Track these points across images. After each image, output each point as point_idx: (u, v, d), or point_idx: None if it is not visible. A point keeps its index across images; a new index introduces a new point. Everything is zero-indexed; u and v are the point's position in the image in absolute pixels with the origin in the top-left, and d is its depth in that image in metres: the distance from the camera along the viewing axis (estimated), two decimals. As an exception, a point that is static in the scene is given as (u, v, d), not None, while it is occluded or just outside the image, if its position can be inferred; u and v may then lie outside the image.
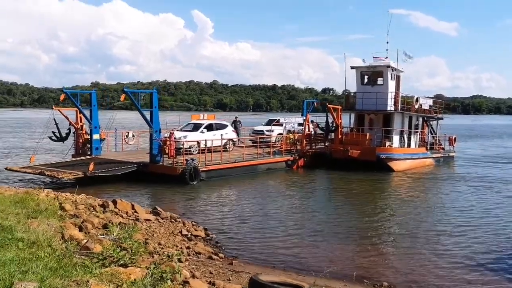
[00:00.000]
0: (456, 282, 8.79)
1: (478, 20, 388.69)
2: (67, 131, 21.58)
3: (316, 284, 7.41)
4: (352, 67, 26.45)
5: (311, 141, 26.27)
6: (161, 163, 18.87)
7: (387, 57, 25.86)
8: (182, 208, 14.32)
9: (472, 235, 12.07)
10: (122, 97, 18.44)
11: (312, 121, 27.42)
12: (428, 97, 30.64)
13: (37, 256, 5.57)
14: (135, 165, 18.70)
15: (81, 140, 21.83)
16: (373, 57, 26.09)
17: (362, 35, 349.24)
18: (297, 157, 24.33)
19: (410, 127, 26.84)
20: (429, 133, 30.01)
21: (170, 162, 18.74)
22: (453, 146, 31.25)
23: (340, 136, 25.14)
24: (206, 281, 6.88)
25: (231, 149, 23.22)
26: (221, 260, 9.27)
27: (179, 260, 7.74)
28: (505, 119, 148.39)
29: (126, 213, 11.02)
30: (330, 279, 8.36)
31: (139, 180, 18.15)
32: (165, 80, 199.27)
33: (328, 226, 12.94)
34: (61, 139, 21.51)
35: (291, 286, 6.34)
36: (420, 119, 28.52)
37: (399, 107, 25.35)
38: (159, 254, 7.96)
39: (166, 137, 19.45)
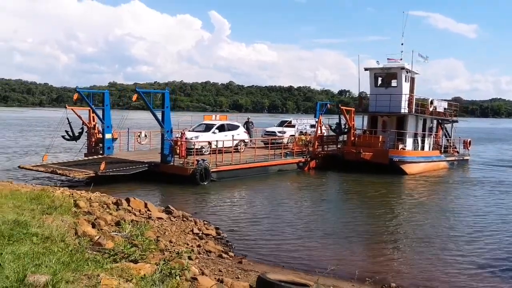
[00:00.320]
0: (464, 285, 8.70)
1: (497, 22, 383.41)
2: (80, 130, 21.79)
3: (323, 283, 7.45)
4: (366, 69, 26.25)
5: (323, 143, 26.16)
6: (172, 163, 18.95)
7: (401, 59, 25.61)
8: (193, 208, 14.43)
9: (486, 241, 11.87)
10: (134, 97, 18.50)
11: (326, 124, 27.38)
12: (444, 99, 30.26)
13: (50, 250, 5.71)
14: (146, 165, 18.79)
15: (93, 139, 21.98)
16: (387, 59, 25.87)
17: (380, 37, 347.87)
18: (308, 159, 24.25)
19: (424, 129, 26.53)
20: (444, 136, 29.61)
21: (181, 162, 18.80)
22: (468, 149, 30.84)
23: (352, 138, 25.00)
24: (215, 278, 6.97)
25: (242, 150, 23.23)
26: (231, 259, 9.37)
27: (189, 258, 7.88)
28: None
29: (139, 211, 11.22)
30: (338, 279, 8.41)
31: (150, 180, 18.26)
32: (182, 80, 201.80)
33: (338, 228, 12.92)
34: (74, 138, 21.72)
35: (297, 285, 6.40)
36: (435, 121, 28.19)
37: (413, 110, 25.02)
38: (170, 252, 8.09)
39: (177, 137, 19.54)
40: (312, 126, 27.29)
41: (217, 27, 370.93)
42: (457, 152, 30.18)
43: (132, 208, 11.23)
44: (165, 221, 11.01)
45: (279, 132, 27.76)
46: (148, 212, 11.35)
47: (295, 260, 9.79)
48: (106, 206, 10.60)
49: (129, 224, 8.91)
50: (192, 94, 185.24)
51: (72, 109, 21.19)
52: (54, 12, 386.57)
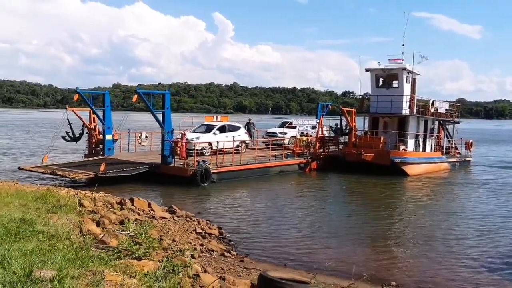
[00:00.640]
0: (465, 285, 8.79)
1: (501, 23, 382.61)
2: (81, 132, 21.76)
3: (324, 281, 7.56)
4: (367, 70, 26.24)
5: (324, 144, 26.19)
6: (172, 165, 18.92)
7: (402, 60, 25.66)
8: (194, 208, 14.48)
9: (488, 242, 11.94)
10: (135, 97, 18.48)
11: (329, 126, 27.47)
12: (446, 100, 30.28)
13: (56, 247, 5.84)
14: (146, 166, 18.77)
15: (94, 140, 21.93)
16: (389, 60, 25.90)
17: (383, 38, 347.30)
18: (310, 160, 24.30)
19: (425, 130, 26.59)
20: (445, 137, 29.66)
21: (181, 163, 18.78)
22: (470, 151, 30.86)
23: (353, 139, 25.04)
24: (217, 275, 7.10)
25: (243, 151, 23.23)
26: (233, 257, 9.52)
27: (192, 256, 8.01)
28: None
29: (143, 210, 11.36)
30: (339, 277, 8.52)
31: (151, 181, 18.27)
32: (186, 82, 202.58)
33: (340, 228, 13.07)
34: (74, 139, 21.71)
35: (297, 282, 6.51)
36: (436, 122, 28.21)
37: (415, 111, 25.08)
38: (173, 250, 8.22)
39: (177, 138, 19.53)
40: (313, 127, 27.36)
41: (221, 29, 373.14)
42: (459, 153, 30.19)
43: (136, 207, 11.34)
44: (169, 220, 11.15)
45: (280, 133, 27.85)
46: (151, 211, 11.46)
47: (296, 259, 9.91)
48: (110, 205, 10.75)
49: (133, 223, 9.01)
50: (196, 95, 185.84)
51: (72, 110, 21.19)
52: (58, 14, 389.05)
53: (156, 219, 10.87)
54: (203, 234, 10.80)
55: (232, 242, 10.84)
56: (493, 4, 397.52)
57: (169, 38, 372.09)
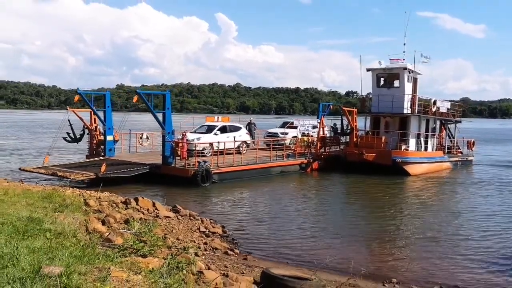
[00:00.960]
0: (467, 283, 8.88)
1: (505, 22, 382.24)
2: (81, 132, 21.69)
3: (326, 279, 7.68)
4: (368, 69, 26.20)
5: (325, 144, 26.19)
6: (173, 165, 18.89)
7: (404, 59, 25.68)
8: (196, 208, 14.60)
9: (489, 241, 11.90)
10: (135, 98, 18.37)
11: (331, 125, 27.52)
12: (450, 100, 30.29)
13: (63, 245, 5.97)
14: (147, 167, 18.73)
15: (95, 141, 21.85)
16: (390, 59, 25.90)
17: (387, 38, 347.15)
18: (311, 160, 24.27)
19: (427, 130, 26.59)
20: (447, 137, 29.69)
21: (182, 164, 18.73)
22: (472, 150, 30.87)
23: (355, 139, 25.08)
24: (220, 272, 7.22)
25: (244, 152, 23.21)
26: (236, 255, 9.66)
27: (196, 254, 8.14)
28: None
29: (147, 210, 11.52)
30: (340, 274, 8.60)
31: (152, 181, 18.23)
32: (189, 82, 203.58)
33: (342, 227, 13.18)
34: (75, 140, 21.62)
35: (298, 279, 6.65)
36: (438, 122, 28.20)
37: (416, 110, 25.09)
38: (177, 248, 8.36)
39: (178, 139, 19.51)
40: (314, 127, 27.40)
41: (224, 29, 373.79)
42: (461, 152, 30.17)
43: (141, 207, 11.48)
44: (173, 219, 11.29)
45: (282, 133, 27.88)
46: (156, 211, 11.58)
47: (299, 257, 10.03)
48: (115, 205, 10.89)
49: (138, 222, 9.14)
50: (199, 96, 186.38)
51: (73, 111, 21.18)
52: (61, 15, 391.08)
53: (160, 218, 10.99)
54: (206, 232, 10.94)
55: (235, 241, 10.96)
56: (496, 3, 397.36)
57: (172, 38, 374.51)
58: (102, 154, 21.24)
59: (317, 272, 8.12)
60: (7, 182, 13.02)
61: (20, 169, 18.71)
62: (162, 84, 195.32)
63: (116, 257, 6.05)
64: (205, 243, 9.98)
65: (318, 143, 25.26)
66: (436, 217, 14.71)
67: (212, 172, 18.63)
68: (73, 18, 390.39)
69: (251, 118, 29.61)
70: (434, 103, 26.45)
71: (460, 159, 29.17)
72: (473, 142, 31.04)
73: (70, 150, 28.06)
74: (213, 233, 11.10)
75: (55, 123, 20.29)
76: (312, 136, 26.61)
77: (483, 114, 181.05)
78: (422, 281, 8.79)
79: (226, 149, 20.46)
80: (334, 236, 12.08)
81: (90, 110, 21.65)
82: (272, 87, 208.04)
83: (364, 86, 33.33)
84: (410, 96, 25.16)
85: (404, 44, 26.13)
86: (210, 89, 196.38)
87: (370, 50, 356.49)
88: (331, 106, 32.51)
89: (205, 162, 18.46)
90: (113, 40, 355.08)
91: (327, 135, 27.08)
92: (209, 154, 20.43)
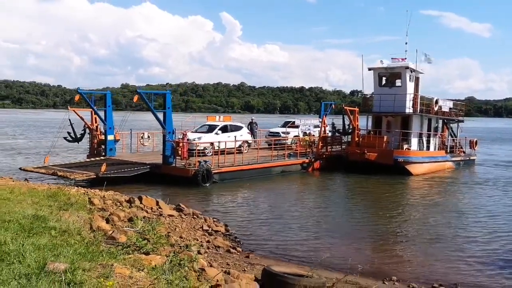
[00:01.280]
0: (467, 281, 8.94)
1: (511, 21, 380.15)
2: (82, 132, 21.61)
3: (327, 276, 7.78)
4: (369, 69, 26.11)
5: (327, 144, 26.16)
6: (173, 165, 18.80)
7: (405, 58, 25.64)
8: (197, 208, 14.68)
9: (492, 240, 11.92)
10: (135, 98, 18.25)
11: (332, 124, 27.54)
12: (455, 99, 30.28)
13: (67, 242, 6.10)
14: (147, 167, 18.63)
15: (95, 140, 21.72)
16: (391, 58, 25.84)
17: (392, 36, 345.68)
18: (312, 160, 24.21)
19: (429, 129, 26.55)
20: (449, 136, 29.67)
21: (182, 164, 18.63)
22: (474, 150, 30.84)
23: (356, 139, 25.05)
24: (222, 270, 7.32)
25: (245, 151, 23.13)
26: (238, 253, 9.77)
27: (199, 252, 8.26)
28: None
29: (151, 208, 11.61)
30: (341, 272, 8.68)
31: (153, 181, 18.13)
32: (194, 82, 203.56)
33: (344, 226, 13.29)
34: (76, 139, 21.57)
35: (299, 276, 6.75)
36: (440, 121, 28.17)
37: (418, 109, 25.04)
38: (180, 246, 8.47)
39: (179, 138, 19.42)
40: (316, 126, 27.44)
41: (229, 28, 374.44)
42: (463, 152, 30.15)
43: (144, 205, 11.57)
44: (176, 218, 11.39)
45: (283, 132, 27.87)
46: (159, 209, 11.66)
47: (300, 256, 10.12)
48: (119, 203, 10.95)
49: (141, 220, 9.20)
50: (204, 95, 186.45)
51: (74, 111, 21.17)
52: (66, 15, 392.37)
53: (163, 217, 11.07)
54: (209, 231, 11.04)
55: (238, 239, 11.06)
56: (502, 2, 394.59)
57: (177, 38, 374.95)
58: (103, 153, 21.16)
59: (318, 270, 8.22)
60: (13, 181, 13.20)
61: (20, 168, 18.58)
62: (167, 83, 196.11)
63: (120, 254, 6.17)
64: (208, 241, 10.09)
65: (320, 142, 25.25)
66: (438, 217, 14.73)
67: (213, 172, 18.53)
68: (78, 18, 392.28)
69: (253, 118, 29.54)
70: (436, 102, 26.43)
71: (462, 159, 29.12)
72: (476, 141, 30.97)
73: (77, 149, 28.20)
74: (216, 231, 11.20)
75: (61, 123, 20.30)
76: (313, 135, 26.65)
77: (489, 113, 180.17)
78: (422, 279, 8.86)
79: (227, 148, 20.37)
80: (335, 235, 12.18)
81: (90, 109, 21.59)
82: (276, 87, 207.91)
83: (367, 85, 33.22)
84: (412, 95, 25.08)
85: (406, 43, 26.09)
86: (214, 88, 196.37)
87: (375, 49, 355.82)
88: (333, 106, 32.50)
89: (205, 161, 18.40)
90: (118, 39, 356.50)
91: (329, 135, 27.10)
92: (210, 154, 20.38)
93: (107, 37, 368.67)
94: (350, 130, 25.57)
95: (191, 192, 17.12)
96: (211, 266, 7.51)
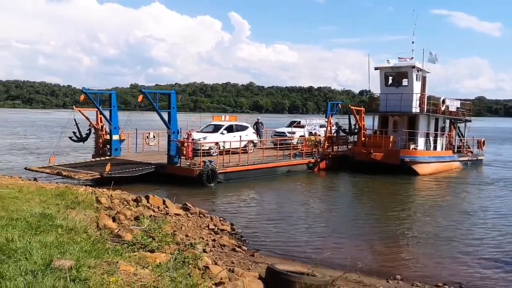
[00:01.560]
0: (472, 281, 8.93)
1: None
2: (87, 132, 21.64)
3: (330, 275, 7.80)
4: (376, 68, 25.99)
5: (333, 143, 26.08)
6: (178, 165, 18.80)
7: (412, 58, 25.54)
8: (203, 207, 14.75)
9: (500, 241, 11.86)
10: (140, 97, 18.16)
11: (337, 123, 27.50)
12: (465, 99, 30.03)
13: (74, 240, 6.17)
14: (152, 166, 18.62)
15: (101, 140, 21.75)
16: (398, 58, 25.75)
17: (401, 36, 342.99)
18: (318, 160, 24.15)
19: (436, 129, 26.39)
20: (457, 136, 29.46)
21: (187, 163, 18.61)
22: (482, 150, 30.60)
23: (363, 139, 24.95)
24: (227, 268, 7.39)
25: (251, 151, 23.01)
26: (243, 252, 9.86)
27: (204, 251, 8.33)
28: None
29: (158, 207, 11.69)
30: (345, 271, 8.69)
31: (158, 181, 18.10)
32: (202, 82, 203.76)
33: (349, 226, 13.31)
34: (81, 139, 21.61)
35: (303, 274, 6.78)
36: (447, 121, 28.00)
37: (425, 109, 24.89)
38: (185, 244, 8.55)
39: (184, 138, 19.41)
40: (322, 126, 27.38)
41: (237, 28, 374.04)
42: (471, 152, 29.93)
43: (151, 204, 11.65)
44: (182, 217, 11.45)
45: (289, 132, 27.85)
46: (166, 208, 11.72)
47: (306, 255, 10.16)
48: (126, 202, 11.03)
49: (148, 219, 9.29)
50: (213, 95, 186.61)
51: (79, 110, 21.19)
52: (75, 15, 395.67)
53: (170, 216, 11.13)
54: (215, 230, 11.13)
55: (244, 238, 11.13)
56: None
57: (185, 38, 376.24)
58: (108, 153, 21.21)
59: (322, 268, 8.26)
60: (22, 180, 13.40)
61: (26, 168, 18.64)
62: (176, 83, 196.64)
63: (125, 252, 6.27)
64: (214, 240, 10.17)
65: (326, 142, 25.20)
66: (444, 217, 14.69)
67: (218, 172, 18.49)
68: (87, 18, 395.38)
69: (259, 118, 29.43)
70: (443, 101, 26.23)
71: (470, 159, 28.90)
72: (483, 141, 30.74)
73: (86, 149, 28.43)
74: (222, 230, 11.29)
75: (68, 123, 20.44)
76: (319, 135, 26.61)
77: (499, 113, 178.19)
78: (427, 278, 8.87)
79: (233, 148, 20.33)
80: (341, 234, 12.21)
81: (96, 109, 21.62)
82: (285, 86, 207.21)
83: (374, 85, 33.06)
84: (419, 95, 24.96)
85: (413, 43, 25.96)
86: (223, 88, 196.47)
87: (384, 48, 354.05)
88: (340, 105, 32.43)
89: (210, 161, 18.36)
90: (127, 39, 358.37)
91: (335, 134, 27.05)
92: (215, 154, 20.33)
93: (117, 37, 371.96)
94: (356, 130, 25.49)
95: (196, 192, 17.10)
96: (215, 264, 7.56)
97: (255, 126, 27.23)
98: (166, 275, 5.27)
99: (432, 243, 11.46)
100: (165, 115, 18.86)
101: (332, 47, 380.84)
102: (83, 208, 8.65)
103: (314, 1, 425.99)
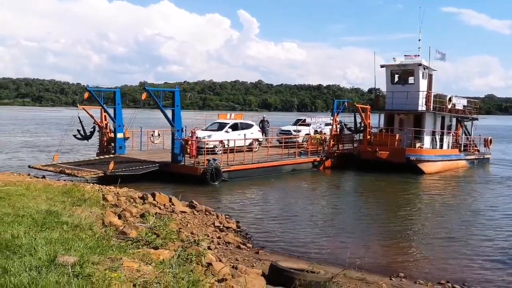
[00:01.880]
0: (475, 280, 8.92)
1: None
2: (92, 130, 21.60)
3: (333, 272, 7.82)
4: (382, 66, 25.84)
5: (338, 142, 25.99)
6: (182, 163, 18.78)
7: (419, 55, 25.37)
8: (208, 205, 14.78)
9: (503, 240, 11.77)
10: (144, 95, 18.12)
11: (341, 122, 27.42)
12: (472, 97, 29.82)
13: (79, 237, 6.27)
14: (156, 165, 18.59)
15: (105, 138, 21.69)
16: (404, 55, 25.59)
17: (411, 34, 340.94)
18: (323, 158, 24.09)
19: (442, 127, 26.24)
20: (463, 134, 29.26)
21: (191, 162, 18.62)
22: (489, 148, 30.36)
23: (368, 137, 24.84)
24: (231, 265, 7.43)
25: (256, 149, 22.86)
26: (248, 249, 9.91)
27: (209, 248, 8.39)
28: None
29: (164, 205, 11.75)
30: (350, 269, 8.73)
31: (162, 179, 18.07)
32: (211, 80, 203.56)
33: (354, 224, 13.36)
34: (86, 137, 21.66)
35: (306, 272, 6.82)
36: (454, 119, 27.80)
37: (431, 107, 24.73)
38: (190, 242, 8.61)
39: (188, 136, 19.34)
40: (327, 124, 27.31)
41: (246, 26, 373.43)
42: (478, 150, 29.69)
43: (157, 202, 11.73)
44: (188, 214, 11.52)
45: (294, 131, 27.76)
46: (172, 206, 11.79)
47: (310, 253, 10.20)
48: (132, 200, 11.11)
49: (153, 216, 9.39)
50: (222, 93, 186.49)
51: (83, 108, 21.27)
52: (85, 13, 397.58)
53: (176, 213, 11.18)
54: (221, 227, 11.18)
55: (249, 235, 11.19)
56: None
57: (194, 36, 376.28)
58: (112, 151, 21.20)
59: (326, 266, 8.29)
60: (30, 177, 13.57)
61: (29, 166, 18.60)
62: (185, 81, 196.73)
63: (129, 249, 6.34)
64: (219, 238, 10.25)
65: (331, 140, 25.15)
66: (449, 215, 14.68)
67: (222, 170, 18.45)
68: (96, 16, 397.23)
69: (264, 116, 29.42)
70: (450, 99, 26.06)
71: (476, 157, 28.70)
72: (490, 139, 30.48)
73: (89, 147, 28.63)
74: (227, 228, 11.33)
75: (72, 120, 20.54)
76: (325, 133, 26.56)
77: (509, 111, 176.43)
78: (430, 276, 8.88)
79: (237, 147, 20.22)
80: (346, 232, 12.26)
81: (100, 107, 21.58)
82: (294, 84, 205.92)
83: (381, 83, 32.82)
84: (425, 93, 24.79)
85: (419, 40, 25.80)
86: (232, 86, 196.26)
87: (393, 46, 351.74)
88: (346, 103, 32.32)
89: (214, 160, 18.32)
90: (136, 37, 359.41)
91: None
92: (220, 152, 20.28)
93: (126, 35, 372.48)
94: (361, 128, 25.40)
95: (201, 190, 17.09)
96: (220, 261, 7.61)
97: (260, 124, 27.18)
98: (169, 272, 5.32)
99: (437, 242, 11.46)
100: (169, 113, 18.85)
101: (341, 45, 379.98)
102: (89, 206, 8.76)
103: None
